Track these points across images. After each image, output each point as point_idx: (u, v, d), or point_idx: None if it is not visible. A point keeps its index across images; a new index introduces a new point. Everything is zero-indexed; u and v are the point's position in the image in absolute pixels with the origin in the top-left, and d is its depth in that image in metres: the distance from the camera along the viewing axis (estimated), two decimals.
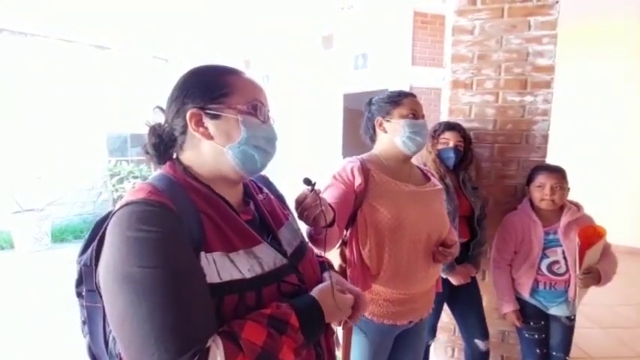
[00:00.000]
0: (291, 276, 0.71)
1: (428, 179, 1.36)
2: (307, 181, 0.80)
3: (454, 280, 1.70)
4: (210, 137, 0.68)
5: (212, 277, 0.60)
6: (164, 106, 0.74)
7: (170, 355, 0.52)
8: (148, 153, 0.73)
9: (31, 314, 3.05)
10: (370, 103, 1.34)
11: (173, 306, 0.54)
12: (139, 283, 0.54)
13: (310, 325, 0.64)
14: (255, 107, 0.70)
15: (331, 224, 0.86)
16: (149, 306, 0.53)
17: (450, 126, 1.75)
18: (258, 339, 0.57)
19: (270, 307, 0.62)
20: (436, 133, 1.74)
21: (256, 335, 0.57)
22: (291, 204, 0.92)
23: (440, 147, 1.73)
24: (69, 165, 5.65)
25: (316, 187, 0.81)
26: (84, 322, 0.70)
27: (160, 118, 0.74)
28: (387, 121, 1.26)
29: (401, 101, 1.25)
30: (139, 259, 0.55)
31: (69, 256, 4.39)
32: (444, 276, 1.68)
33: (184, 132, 0.70)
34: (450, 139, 1.72)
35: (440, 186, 1.36)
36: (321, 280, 0.83)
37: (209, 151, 0.69)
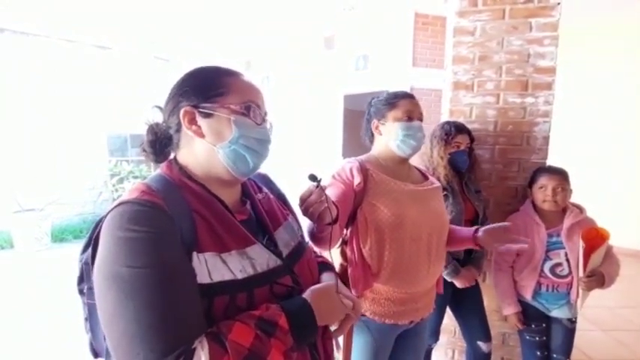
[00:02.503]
0: (285, 277, 0.71)
1: (426, 178, 1.36)
2: (313, 177, 0.79)
3: (459, 284, 1.69)
4: (201, 135, 0.69)
5: (203, 278, 0.60)
6: (163, 106, 0.75)
7: (155, 355, 0.53)
8: (145, 151, 0.73)
9: (30, 314, 3.04)
10: (370, 104, 1.34)
11: (160, 306, 0.55)
12: (127, 283, 0.55)
13: (300, 328, 0.63)
14: (248, 108, 0.70)
15: (335, 221, 0.86)
16: (136, 306, 0.54)
17: (460, 128, 1.72)
18: (246, 340, 0.57)
19: (259, 309, 0.62)
20: (449, 137, 1.68)
21: (243, 337, 0.57)
22: (292, 203, 0.92)
23: (451, 150, 1.69)
24: (69, 165, 5.65)
25: (322, 184, 0.80)
26: (86, 319, 0.71)
27: (159, 118, 0.75)
28: (382, 124, 1.27)
29: (396, 103, 1.25)
30: (128, 258, 0.55)
31: (69, 256, 4.39)
32: (449, 279, 1.68)
33: (179, 130, 0.71)
34: (461, 142, 1.70)
35: (437, 184, 1.36)
36: (318, 282, 0.82)
37: (201, 150, 0.70)
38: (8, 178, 5.04)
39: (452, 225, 1.49)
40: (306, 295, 0.69)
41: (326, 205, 0.79)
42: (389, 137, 1.25)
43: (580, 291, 1.54)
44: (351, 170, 1.21)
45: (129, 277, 0.54)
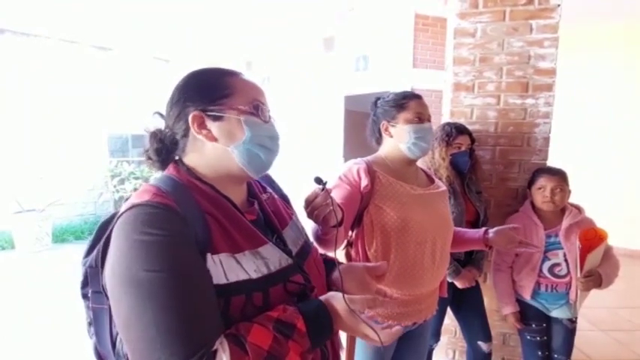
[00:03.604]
0: (296, 275, 0.71)
1: (432, 181, 1.35)
2: (318, 180, 0.79)
3: (459, 284, 1.70)
4: (213, 139, 0.68)
5: (219, 279, 0.60)
6: (163, 111, 0.74)
7: (177, 358, 0.53)
8: (150, 159, 0.72)
9: (31, 315, 3.05)
10: (376, 105, 1.32)
11: (178, 309, 0.54)
12: (145, 287, 0.54)
13: (317, 330, 0.63)
14: (256, 107, 0.70)
15: (340, 224, 0.86)
16: (154, 310, 0.54)
17: (461, 129, 1.72)
18: (264, 343, 0.57)
19: (277, 310, 0.62)
20: (450, 139, 1.69)
21: (262, 339, 0.57)
22: (294, 204, 0.92)
23: (453, 151, 1.70)
24: (70, 165, 5.65)
25: (327, 187, 0.80)
26: (90, 324, 0.70)
27: (160, 124, 0.74)
28: (393, 125, 1.25)
29: (406, 105, 1.23)
30: (145, 262, 0.55)
31: (70, 257, 4.40)
32: (450, 280, 1.68)
33: (186, 135, 0.70)
34: (462, 143, 1.71)
35: (444, 187, 1.35)
36: (325, 280, 0.83)
37: (213, 153, 0.69)
38: (9, 179, 5.05)
39: (457, 227, 1.49)
40: (323, 298, 0.69)
41: (331, 208, 0.79)
42: (400, 139, 1.24)
43: (578, 291, 1.55)
44: (358, 172, 1.19)
45: (146, 281, 0.54)
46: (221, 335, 0.57)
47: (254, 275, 0.64)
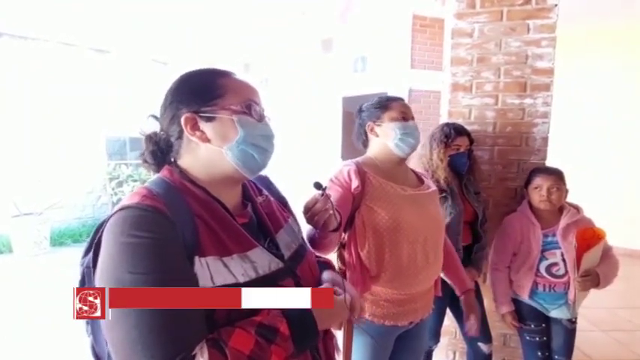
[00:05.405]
0: (287, 280, 0.70)
1: (422, 182, 1.36)
2: (318, 186, 0.80)
3: None
4: (207, 140, 0.68)
5: (205, 282, 0.60)
6: (158, 114, 0.74)
7: None
8: (146, 162, 0.73)
9: (29, 318, 3.03)
10: (360, 110, 1.35)
11: (161, 313, 0.55)
12: None
13: (302, 334, 0.63)
14: (249, 107, 0.70)
15: (339, 228, 0.86)
16: (137, 312, 0.54)
17: (460, 131, 1.72)
18: (246, 347, 0.57)
19: (260, 314, 0.62)
20: (449, 140, 1.68)
21: (244, 343, 0.57)
22: (292, 205, 0.91)
23: (451, 153, 1.69)
24: (68, 168, 5.64)
25: (327, 192, 0.80)
26: (87, 323, 0.70)
27: (155, 126, 0.74)
28: (378, 125, 1.28)
29: (390, 105, 1.27)
30: (130, 264, 0.56)
31: (68, 260, 4.37)
32: (449, 281, 1.67)
33: (180, 137, 0.70)
34: (461, 145, 1.70)
35: (434, 188, 1.36)
36: (320, 283, 0.82)
37: (207, 154, 0.69)
38: (7, 182, 5.03)
39: (456, 229, 1.53)
40: None
41: (331, 212, 0.79)
42: (386, 137, 1.26)
43: (576, 291, 1.54)
44: (348, 173, 1.21)
45: (130, 283, 0.55)
46: (203, 340, 0.57)
47: (241, 279, 0.63)
